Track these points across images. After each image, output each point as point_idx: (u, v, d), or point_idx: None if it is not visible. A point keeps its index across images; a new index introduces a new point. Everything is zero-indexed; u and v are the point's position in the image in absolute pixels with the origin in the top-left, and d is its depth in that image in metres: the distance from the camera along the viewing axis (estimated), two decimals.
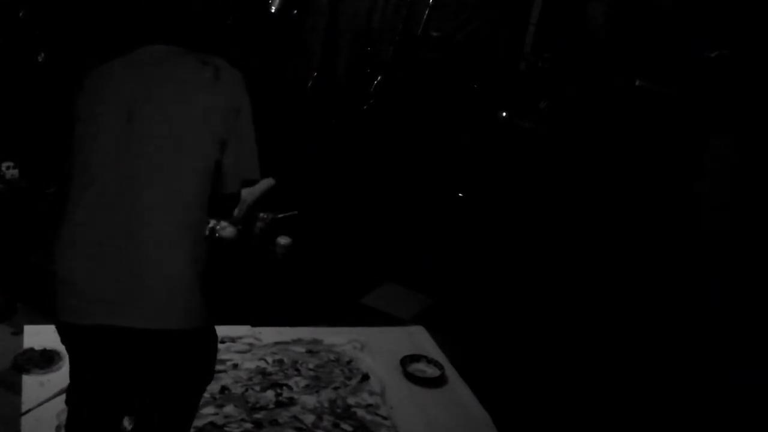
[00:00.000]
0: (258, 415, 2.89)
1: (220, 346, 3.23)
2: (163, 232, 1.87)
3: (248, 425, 2.83)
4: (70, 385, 2.08)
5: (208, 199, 1.94)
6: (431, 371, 3.26)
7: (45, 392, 2.78)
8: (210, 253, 1.99)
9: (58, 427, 2.62)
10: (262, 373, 3.11)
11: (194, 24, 2.05)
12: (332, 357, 3.29)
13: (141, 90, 1.90)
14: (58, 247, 1.92)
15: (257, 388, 3.01)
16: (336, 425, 2.92)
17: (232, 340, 3.25)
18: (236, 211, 3.32)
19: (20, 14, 4.09)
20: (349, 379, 3.18)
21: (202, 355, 2.06)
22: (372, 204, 4.36)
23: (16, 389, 2.79)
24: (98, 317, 1.87)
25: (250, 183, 2.02)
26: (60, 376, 2.85)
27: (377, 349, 3.34)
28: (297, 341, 3.35)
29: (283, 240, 3.83)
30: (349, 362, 3.26)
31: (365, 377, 3.17)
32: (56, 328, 1.98)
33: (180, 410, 2.08)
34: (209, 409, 2.83)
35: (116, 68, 1.98)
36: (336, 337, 3.39)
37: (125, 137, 1.87)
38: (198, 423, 2.76)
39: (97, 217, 1.88)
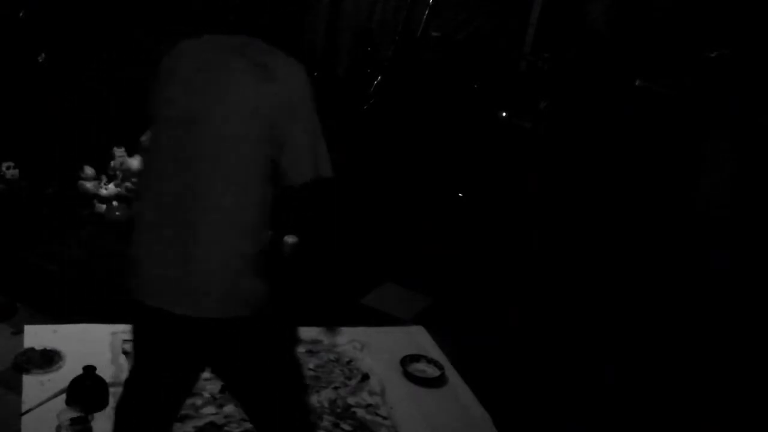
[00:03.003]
0: None
1: None
2: (221, 222, 1.94)
3: (248, 425, 2.83)
4: (131, 371, 2.14)
5: (272, 194, 1.98)
6: (431, 371, 3.25)
7: (45, 392, 2.78)
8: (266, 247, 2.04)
9: (58, 427, 2.61)
10: None
11: (268, 19, 2.10)
12: (332, 357, 3.28)
13: (204, 83, 1.95)
14: (135, 230, 2.04)
15: None
16: (336, 425, 2.92)
17: None
18: None
19: (20, 14, 4.09)
20: (349, 379, 3.18)
21: (261, 339, 2.07)
22: (372, 204, 4.36)
23: (16, 389, 2.79)
24: (159, 300, 1.96)
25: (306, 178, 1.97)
26: (60, 376, 2.85)
27: (377, 349, 3.34)
28: None
29: (290, 239, 3.82)
30: (349, 362, 3.26)
31: (365, 377, 3.17)
32: (127, 308, 2.05)
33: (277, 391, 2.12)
34: (209, 409, 2.83)
35: (188, 54, 2.03)
36: (336, 337, 3.39)
37: (186, 136, 1.94)
38: (198, 423, 2.76)
39: (163, 209, 1.97)
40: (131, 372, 2.16)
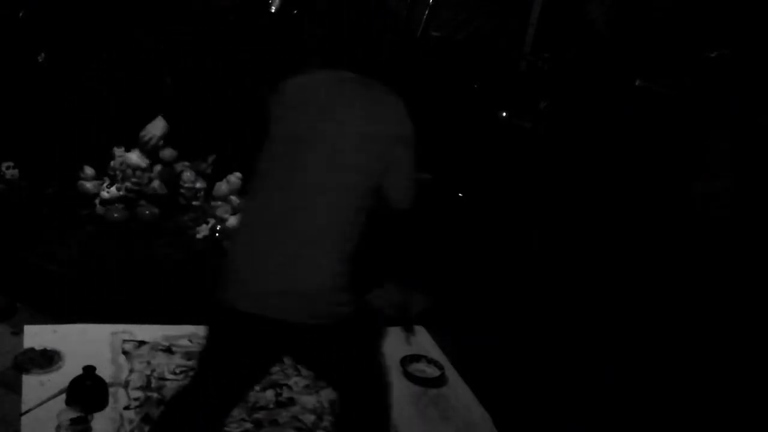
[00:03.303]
0: (258, 415, 2.89)
1: None
2: (316, 237, 2.13)
3: (248, 425, 2.83)
4: (199, 369, 2.26)
5: (368, 214, 2.20)
6: (431, 371, 3.26)
7: (45, 392, 2.78)
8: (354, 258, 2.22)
9: (58, 427, 2.62)
10: None
11: (375, 57, 2.35)
12: None
13: (316, 110, 2.18)
14: (237, 235, 2.28)
15: (257, 388, 3.01)
16: None
17: None
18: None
19: (20, 14, 4.08)
20: None
21: (345, 340, 2.24)
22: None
23: (16, 389, 2.79)
24: (250, 305, 2.11)
25: (403, 205, 2.25)
26: (60, 376, 2.85)
27: None
28: None
29: None
30: None
31: None
32: (211, 310, 2.19)
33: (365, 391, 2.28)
34: None
35: (303, 84, 2.27)
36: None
37: (293, 155, 2.16)
38: None
39: (262, 218, 2.17)
40: (200, 367, 2.26)
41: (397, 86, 2.25)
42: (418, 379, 3.20)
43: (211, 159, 4.16)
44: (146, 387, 2.94)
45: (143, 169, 3.92)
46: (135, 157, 3.91)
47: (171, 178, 4.03)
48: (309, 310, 2.12)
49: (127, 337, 3.19)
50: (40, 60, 4.11)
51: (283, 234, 2.12)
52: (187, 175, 4.04)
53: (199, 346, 2.25)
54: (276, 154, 2.20)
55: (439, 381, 3.21)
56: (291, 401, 3.00)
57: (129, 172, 3.91)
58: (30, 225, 3.61)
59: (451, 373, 3.28)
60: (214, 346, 2.23)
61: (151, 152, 3.99)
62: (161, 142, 3.98)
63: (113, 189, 3.81)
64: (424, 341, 3.47)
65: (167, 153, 4.05)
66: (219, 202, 3.95)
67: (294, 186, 2.14)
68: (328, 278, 2.14)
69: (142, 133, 3.94)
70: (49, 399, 2.75)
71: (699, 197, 3.95)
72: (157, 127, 3.94)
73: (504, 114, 4.55)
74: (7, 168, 3.85)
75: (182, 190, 4.02)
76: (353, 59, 2.29)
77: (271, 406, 2.96)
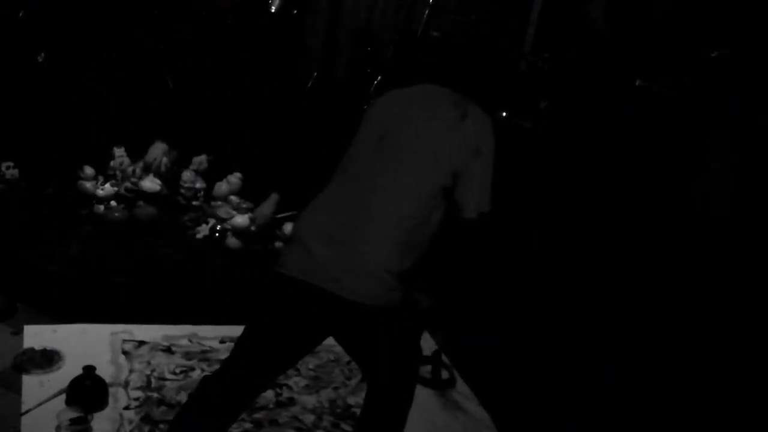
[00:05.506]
0: (258, 415, 2.89)
1: (220, 346, 3.24)
2: (380, 228, 2.22)
3: (248, 425, 2.83)
4: (241, 341, 2.31)
5: (441, 220, 2.31)
6: (433, 372, 3.25)
7: (45, 392, 2.78)
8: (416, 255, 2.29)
9: (57, 427, 2.62)
10: None
11: (464, 73, 2.58)
12: (332, 357, 3.28)
13: (397, 115, 2.36)
14: (303, 215, 2.36)
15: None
16: (336, 425, 2.92)
17: (233, 340, 3.24)
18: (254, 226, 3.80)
19: (20, 14, 4.09)
20: (349, 379, 3.18)
21: (393, 328, 2.33)
22: None
23: (16, 389, 2.79)
24: (315, 279, 2.20)
25: (471, 215, 2.32)
26: (60, 376, 2.85)
27: None
28: None
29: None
30: (349, 362, 3.25)
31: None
32: (271, 278, 2.30)
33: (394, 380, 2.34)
34: None
35: (395, 95, 2.46)
36: None
37: (375, 149, 2.32)
38: None
39: (336, 201, 2.30)
40: (244, 339, 2.30)
41: (490, 105, 2.44)
42: (426, 381, 3.18)
43: (209, 158, 4.16)
44: (146, 387, 2.94)
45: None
46: (148, 182, 3.89)
47: (171, 178, 4.03)
48: (362, 289, 2.19)
49: (127, 337, 3.19)
50: (40, 60, 4.11)
51: (354, 216, 2.24)
52: (187, 175, 4.04)
53: (253, 312, 2.32)
54: (360, 145, 2.36)
55: (441, 382, 3.21)
56: (291, 401, 3.00)
57: (129, 171, 3.91)
58: (30, 225, 3.61)
59: (451, 373, 3.27)
60: (263, 315, 2.30)
61: (161, 175, 3.96)
62: (167, 162, 3.98)
63: (107, 186, 3.80)
64: (424, 342, 3.46)
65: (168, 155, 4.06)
66: (219, 202, 3.95)
67: (372, 175, 2.27)
68: (386, 263, 2.21)
69: (146, 158, 3.95)
70: (48, 399, 2.75)
71: (699, 197, 3.95)
72: (158, 149, 3.94)
73: (504, 114, 4.54)
74: (7, 168, 3.86)
75: (182, 190, 4.02)
76: (453, 78, 2.49)
77: (271, 406, 2.96)
